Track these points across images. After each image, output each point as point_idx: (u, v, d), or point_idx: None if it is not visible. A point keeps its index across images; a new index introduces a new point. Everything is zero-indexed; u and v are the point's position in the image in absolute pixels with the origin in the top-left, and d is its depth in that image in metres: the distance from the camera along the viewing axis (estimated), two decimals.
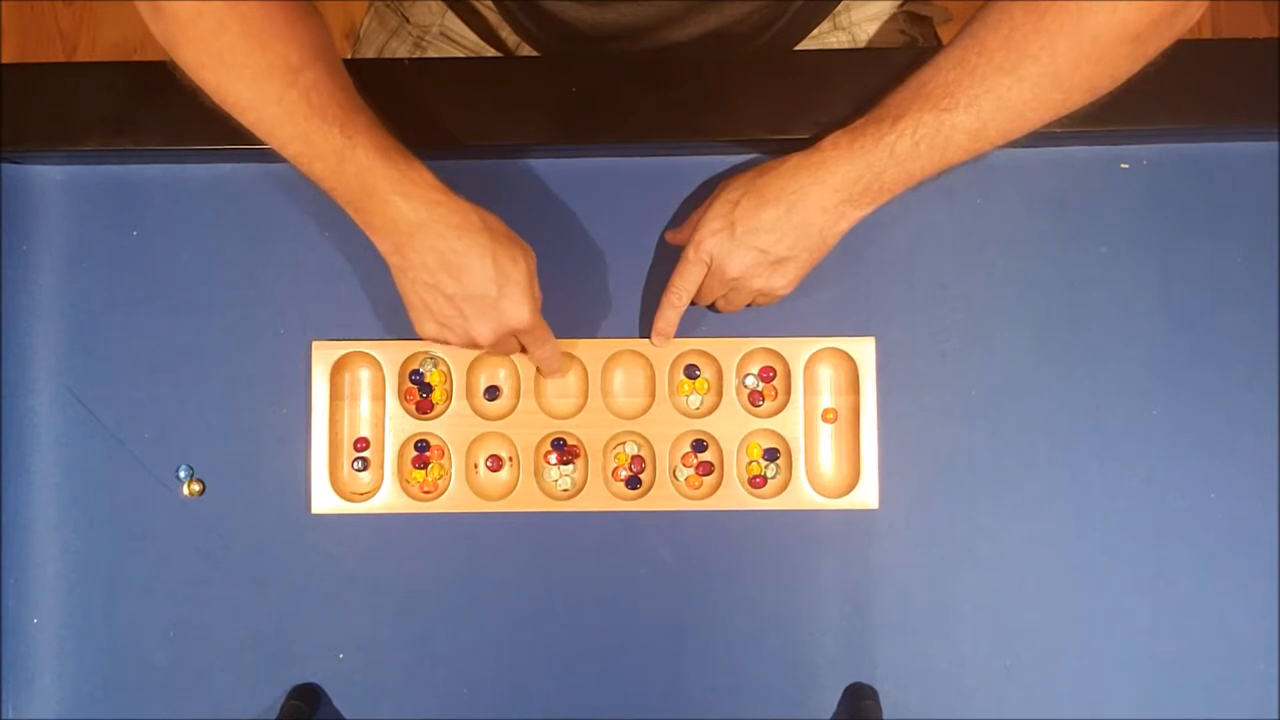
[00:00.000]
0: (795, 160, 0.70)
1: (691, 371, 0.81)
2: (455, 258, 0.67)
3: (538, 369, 0.80)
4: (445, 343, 0.72)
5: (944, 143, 0.66)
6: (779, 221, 0.70)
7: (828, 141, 0.70)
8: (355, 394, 0.83)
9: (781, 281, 0.74)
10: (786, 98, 0.71)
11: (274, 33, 0.64)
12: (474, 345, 0.72)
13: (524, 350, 0.77)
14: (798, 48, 0.95)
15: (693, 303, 0.78)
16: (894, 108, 0.68)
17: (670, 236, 0.81)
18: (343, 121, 0.66)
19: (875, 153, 0.67)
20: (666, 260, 0.82)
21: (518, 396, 0.81)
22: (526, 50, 0.95)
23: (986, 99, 0.65)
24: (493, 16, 0.94)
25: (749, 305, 0.79)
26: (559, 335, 0.78)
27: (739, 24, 0.83)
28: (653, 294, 0.82)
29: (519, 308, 0.70)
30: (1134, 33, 0.63)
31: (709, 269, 0.74)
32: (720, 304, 0.78)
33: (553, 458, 0.81)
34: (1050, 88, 0.64)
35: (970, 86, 0.65)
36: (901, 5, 0.96)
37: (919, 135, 0.66)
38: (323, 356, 0.81)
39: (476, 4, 0.94)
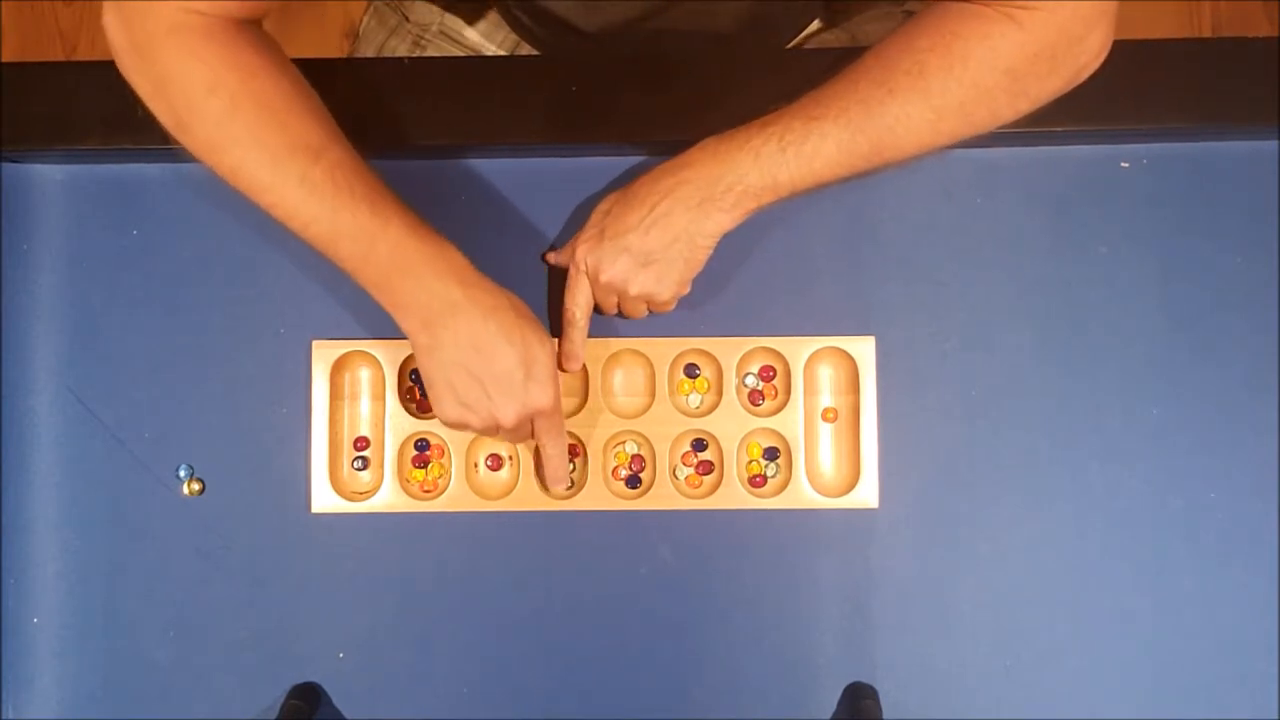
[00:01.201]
0: (663, 165, 0.71)
1: (691, 371, 0.81)
2: (486, 338, 0.67)
3: (538, 474, 0.79)
4: (464, 426, 0.71)
5: (811, 152, 0.66)
6: (643, 222, 0.70)
7: (698, 145, 0.70)
8: (355, 393, 0.83)
9: (659, 286, 0.73)
10: (785, 97, 0.71)
11: (291, 111, 0.64)
12: (494, 428, 0.71)
13: (535, 439, 0.76)
14: (798, 47, 0.95)
15: (600, 312, 0.78)
16: (771, 117, 0.68)
17: (550, 258, 0.81)
18: (371, 201, 0.65)
19: (739, 156, 0.67)
20: None
21: None
22: (525, 48, 0.95)
23: (856, 109, 0.65)
24: (491, 14, 0.94)
25: (654, 313, 0.78)
26: (559, 335, 0.78)
27: (725, 18, 0.83)
28: None
29: (544, 390, 0.70)
30: (1007, 64, 0.64)
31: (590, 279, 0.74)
32: (624, 312, 0.78)
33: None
34: (921, 106, 0.65)
35: (842, 98, 0.66)
36: (902, 5, 0.96)
37: (786, 141, 0.66)
38: (323, 356, 0.81)
39: (475, 2, 0.94)
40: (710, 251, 0.72)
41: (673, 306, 0.76)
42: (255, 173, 0.64)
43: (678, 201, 0.69)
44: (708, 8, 0.81)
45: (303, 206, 0.64)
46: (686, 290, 0.75)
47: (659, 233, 0.70)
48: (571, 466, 0.81)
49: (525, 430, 0.73)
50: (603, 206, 0.74)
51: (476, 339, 0.67)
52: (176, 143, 0.66)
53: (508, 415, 0.69)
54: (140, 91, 0.65)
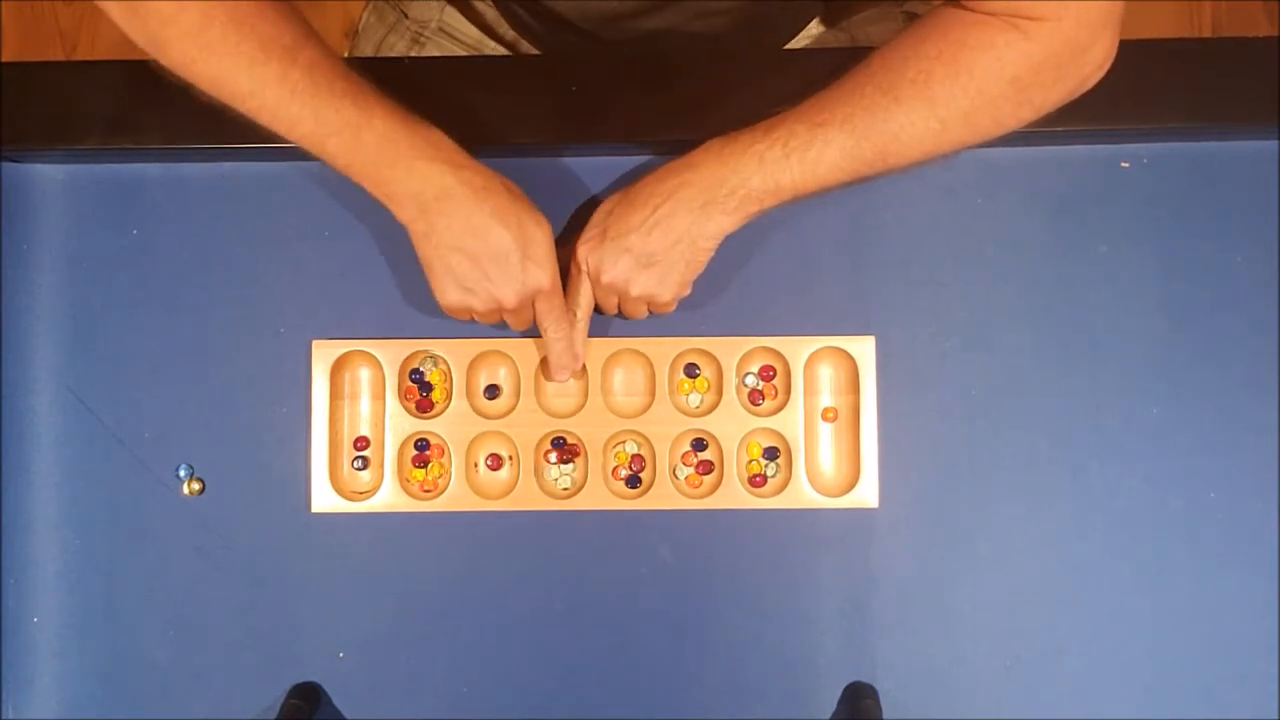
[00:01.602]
0: (666, 166, 0.71)
1: (691, 370, 0.81)
2: (480, 219, 0.68)
3: (544, 365, 0.80)
4: (468, 310, 0.72)
5: (815, 157, 0.66)
6: (645, 222, 0.70)
7: (702, 146, 0.70)
8: (355, 393, 0.83)
9: (660, 287, 0.73)
10: (785, 97, 0.71)
11: (262, 16, 0.64)
12: (497, 311, 0.72)
13: (538, 324, 0.76)
14: (797, 47, 0.95)
15: (601, 312, 0.78)
16: (775, 121, 0.68)
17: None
18: (353, 95, 0.65)
19: (743, 159, 0.67)
20: None
21: (518, 395, 0.81)
22: (524, 45, 0.95)
23: (861, 116, 0.65)
24: (490, 11, 0.94)
25: (655, 314, 0.78)
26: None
27: (724, 18, 0.83)
28: None
29: (542, 269, 0.70)
30: (1012, 74, 0.64)
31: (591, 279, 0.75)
32: (625, 313, 0.78)
33: (553, 456, 0.81)
34: (926, 114, 0.65)
35: (847, 104, 0.66)
36: (901, 5, 0.96)
37: (790, 146, 0.66)
38: (323, 355, 0.81)
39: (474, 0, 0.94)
40: (711, 254, 0.72)
41: (673, 308, 0.76)
42: (235, 80, 0.64)
43: (680, 203, 0.69)
44: (707, 6, 0.81)
45: (286, 108, 0.65)
46: (687, 292, 0.75)
47: (661, 234, 0.70)
48: (571, 465, 0.81)
49: (527, 313, 0.74)
50: (605, 207, 0.74)
51: (471, 221, 0.68)
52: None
53: (508, 295, 0.70)
54: (114, 15, 0.65)
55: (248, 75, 0.64)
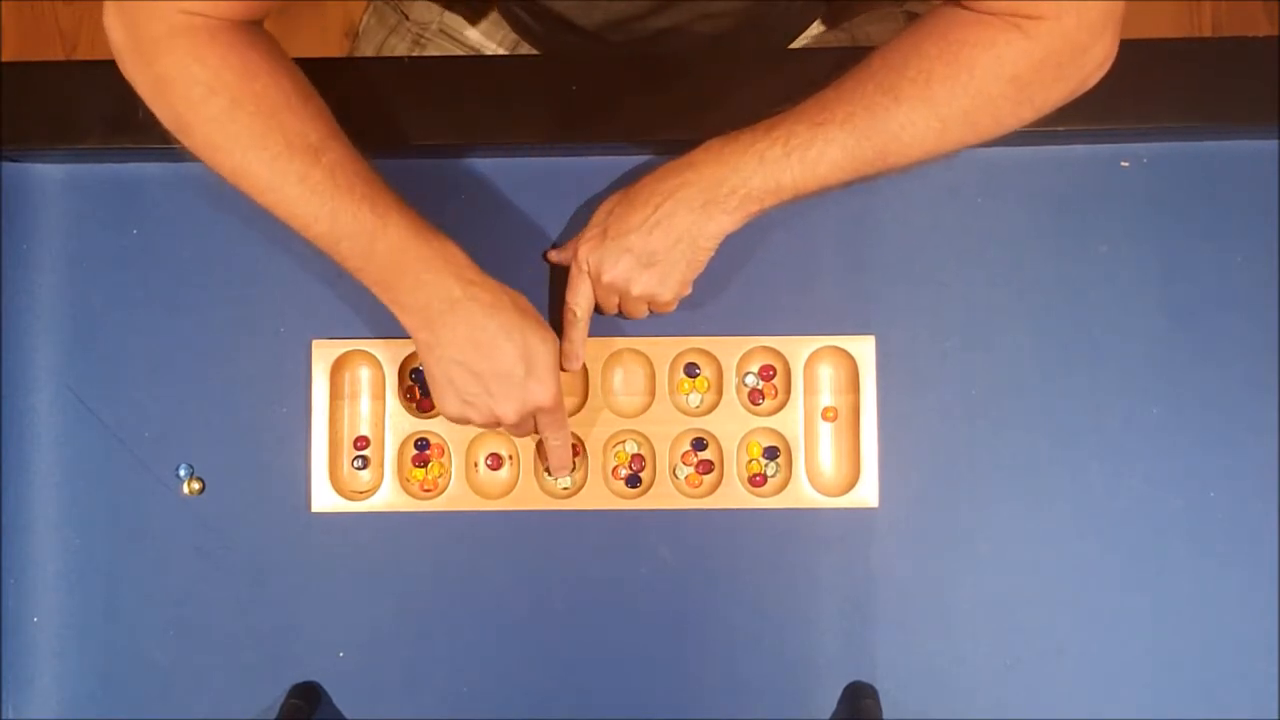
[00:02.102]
0: (666, 165, 0.71)
1: (691, 370, 0.81)
2: (486, 336, 0.67)
3: (545, 464, 0.80)
4: (466, 421, 0.72)
5: (816, 156, 0.66)
6: (645, 222, 0.70)
7: (702, 146, 0.70)
8: (355, 393, 0.83)
9: (661, 287, 0.73)
10: (786, 97, 0.71)
11: (290, 110, 0.64)
12: (496, 424, 0.72)
13: (538, 433, 0.77)
14: (797, 47, 0.95)
15: (601, 312, 0.78)
16: (775, 121, 0.68)
17: (552, 256, 0.81)
18: (371, 200, 0.65)
19: (744, 158, 0.67)
20: None
21: None
22: (525, 47, 0.95)
23: (862, 115, 0.65)
24: (491, 13, 0.94)
25: (655, 313, 0.78)
26: (560, 334, 0.78)
27: (724, 18, 0.83)
28: None
29: (544, 387, 0.70)
30: (1012, 72, 0.64)
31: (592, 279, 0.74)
32: (625, 312, 0.78)
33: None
34: (927, 113, 0.65)
35: (848, 103, 0.66)
36: (902, 5, 0.96)
37: (791, 146, 0.66)
38: (323, 355, 0.81)
39: (475, 0, 0.94)
40: (712, 253, 0.72)
41: (674, 307, 0.76)
42: (256, 173, 0.64)
43: (681, 203, 0.69)
44: (707, 7, 0.81)
45: (303, 206, 0.65)
46: (688, 291, 0.75)
47: (661, 234, 0.70)
48: (573, 465, 0.81)
49: (528, 425, 0.74)
50: (605, 206, 0.74)
51: (476, 337, 0.67)
52: (178, 142, 0.66)
53: (508, 412, 0.70)
54: (141, 92, 0.65)
55: (269, 169, 0.64)
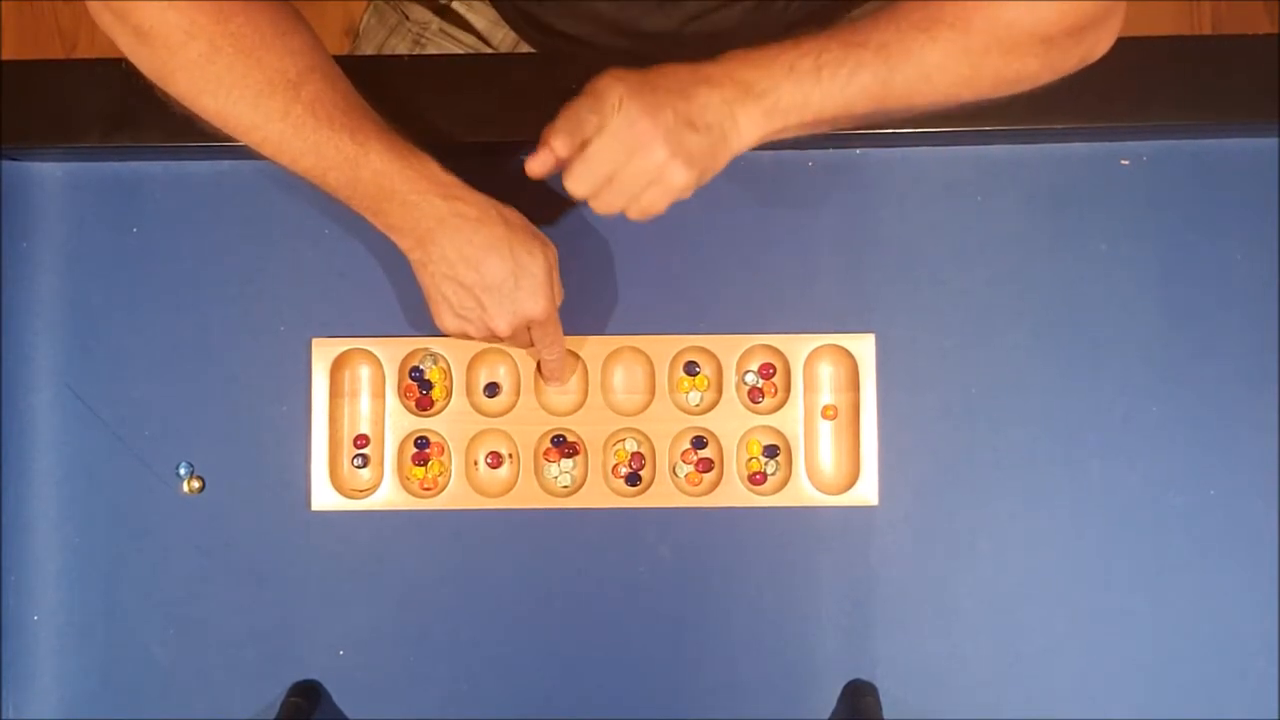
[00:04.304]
0: (682, 65, 0.65)
1: (691, 368, 0.81)
2: (473, 250, 0.68)
3: (539, 371, 0.80)
4: (465, 335, 0.73)
5: (847, 77, 0.63)
6: (686, 88, 0.64)
7: (721, 56, 0.65)
8: (355, 391, 0.83)
9: (679, 169, 0.63)
10: None
11: (268, 48, 0.64)
12: (492, 336, 0.72)
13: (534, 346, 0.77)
14: None
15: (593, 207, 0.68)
16: (803, 37, 0.65)
17: (533, 165, 0.67)
18: (351, 129, 0.66)
19: (774, 66, 0.64)
20: (667, 256, 0.82)
21: (518, 393, 0.81)
22: (525, 46, 0.95)
23: (896, 46, 0.64)
24: (491, 13, 0.94)
25: (642, 216, 0.67)
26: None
27: (722, 17, 0.83)
28: (653, 291, 0.82)
29: (534, 299, 0.70)
30: (1046, 33, 0.64)
31: (601, 123, 0.64)
32: (634, 200, 0.66)
33: (553, 454, 0.81)
34: (960, 59, 0.64)
35: (884, 32, 0.64)
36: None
37: (822, 60, 0.64)
38: (323, 353, 0.81)
39: (474, 1, 0.94)
40: (725, 165, 0.66)
41: (672, 200, 0.66)
42: (239, 113, 0.65)
43: (713, 84, 0.64)
44: (708, 7, 0.81)
45: (288, 143, 0.65)
46: (689, 195, 0.67)
47: (700, 106, 0.63)
48: (571, 463, 0.81)
49: (524, 338, 0.74)
50: (616, 73, 0.65)
51: (464, 251, 0.68)
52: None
53: (501, 325, 0.70)
54: (121, 45, 0.66)
55: (252, 108, 0.65)
